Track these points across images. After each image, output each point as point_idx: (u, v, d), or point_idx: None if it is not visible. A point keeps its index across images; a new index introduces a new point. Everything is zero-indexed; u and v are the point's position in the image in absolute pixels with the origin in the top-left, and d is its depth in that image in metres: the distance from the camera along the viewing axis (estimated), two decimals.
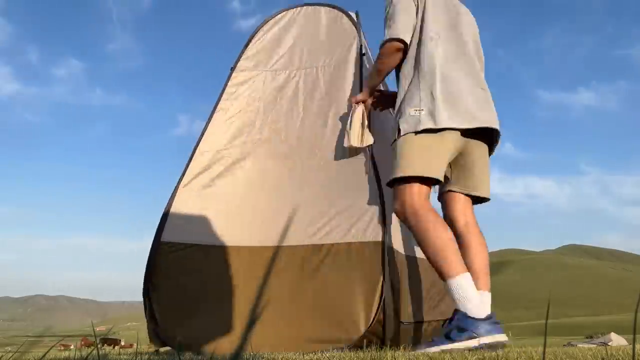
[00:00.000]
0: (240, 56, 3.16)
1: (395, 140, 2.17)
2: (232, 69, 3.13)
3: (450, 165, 2.24)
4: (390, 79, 2.60)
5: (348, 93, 2.79)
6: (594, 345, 2.35)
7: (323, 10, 3.15)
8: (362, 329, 2.21)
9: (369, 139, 2.51)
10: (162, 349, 2.51)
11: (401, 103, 2.20)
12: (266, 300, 2.38)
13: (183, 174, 2.82)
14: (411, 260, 2.75)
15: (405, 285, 2.58)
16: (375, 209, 2.43)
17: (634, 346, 0.61)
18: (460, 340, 1.87)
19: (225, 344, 2.31)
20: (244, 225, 2.64)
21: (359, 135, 2.49)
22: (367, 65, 2.94)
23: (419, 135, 2.08)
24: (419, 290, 2.72)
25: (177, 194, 2.77)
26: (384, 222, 2.39)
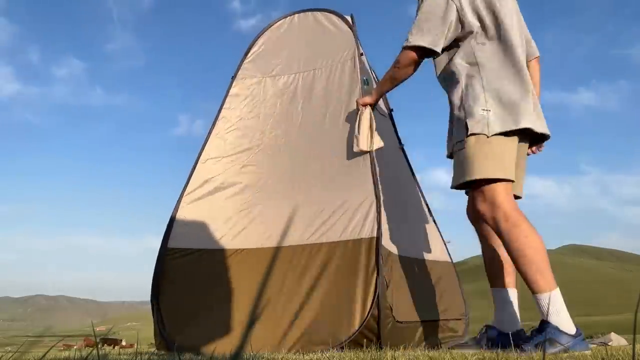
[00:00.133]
0: (240, 64, 3.23)
1: (461, 140, 2.06)
2: (233, 78, 3.21)
3: None
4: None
5: (345, 95, 2.82)
6: (594, 345, 2.35)
7: (320, 15, 3.19)
8: (357, 324, 2.24)
9: (379, 142, 2.51)
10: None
11: (463, 99, 2.08)
12: (267, 300, 2.40)
13: (187, 183, 2.90)
14: (411, 261, 2.76)
15: (404, 285, 2.59)
16: (371, 208, 2.46)
17: (634, 346, 0.61)
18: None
19: (228, 345, 2.33)
20: (246, 228, 2.70)
21: (368, 139, 2.49)
22: (367, 66, 2.97)
23: (494, 137, 2.00)
24: (417, 290, 2.73)
25: (181, 201, 2.85)
26: (379, 220, 2.42)
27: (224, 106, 3.11)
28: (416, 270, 2.78)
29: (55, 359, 2.10)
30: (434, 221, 3.40)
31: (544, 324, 1.92)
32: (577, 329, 1.92)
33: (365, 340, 2.21)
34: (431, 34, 2.13)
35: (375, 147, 2.50)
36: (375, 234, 2.39)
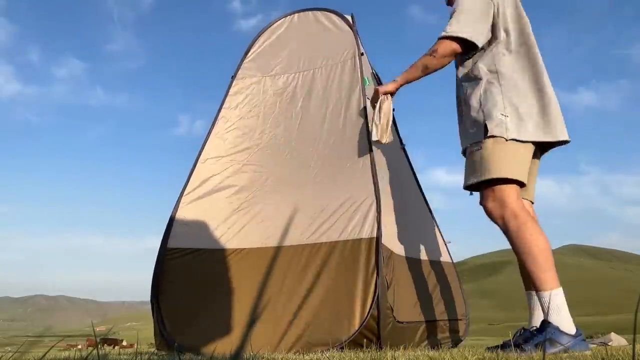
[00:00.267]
0: (240, 64, 3.23)
1: (479, 141, 2.07)
2: (233, 78, 3.20)
3: None
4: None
5: (345, 94, 2.82)
6: (594, 345, 2.35)
7: (320, 14, 3.19)
8: (357, 324, 2.24)
9: (390, 136, 2.43)
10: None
11: (482, 102, 2.09)
12: (267, 299, 2.40)
13: (187, 183, 2.89)
14: (411, 261, 2.76)
15: (404, 285, 2.59)
16: (371, 208, 2.46)
17: (634, 346, 0.61)
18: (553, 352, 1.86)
19: (228, 345, 2.33)
20: (246, 227, 2.69)
21: (385, 131, 2.39)
22: (367, 65, 2.96)
23: (510, 141, 2.02)
24: (418, 290, 2.73)
25: (181, 201, 2.84)
26: (379, 220, 2.42)
27: (224, 106, 3.11)
28: (417, 271, 2.78)
29: (55, 359, 2.10)
30: (435, 221, 3.40)
31: (545, 324, 1.93)
32: (577, 329, 1.93)
33: (365, 340, 2.20)
34: (473, 28, 2.11)
35: (387, 141, 2.43)
36: (375, 234, 2.39)
